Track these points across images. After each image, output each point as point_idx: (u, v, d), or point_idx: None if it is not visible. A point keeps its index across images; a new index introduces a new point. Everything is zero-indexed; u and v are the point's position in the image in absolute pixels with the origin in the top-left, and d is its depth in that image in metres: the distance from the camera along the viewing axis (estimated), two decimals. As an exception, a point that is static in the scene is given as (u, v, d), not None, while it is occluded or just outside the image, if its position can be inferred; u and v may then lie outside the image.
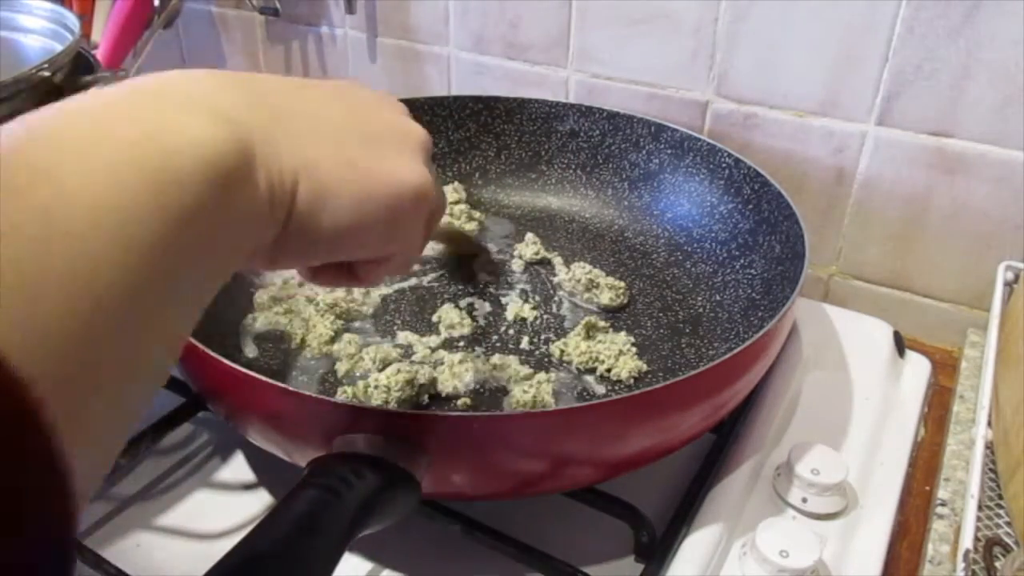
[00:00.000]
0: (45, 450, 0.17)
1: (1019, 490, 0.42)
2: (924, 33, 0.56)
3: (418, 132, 0.35)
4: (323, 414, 0.38)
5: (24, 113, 0.21)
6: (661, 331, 0.55)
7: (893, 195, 0.62)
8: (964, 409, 0.54)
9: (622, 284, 0.58)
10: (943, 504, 0.47)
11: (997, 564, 0.42)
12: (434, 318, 0.55)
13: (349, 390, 0.47)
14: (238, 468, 0.50)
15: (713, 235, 0.61)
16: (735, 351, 0.41)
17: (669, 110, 0.67)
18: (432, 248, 0.63)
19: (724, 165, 0.61)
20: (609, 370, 0.50)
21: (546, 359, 0.52)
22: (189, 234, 0.22)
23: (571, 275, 0.58)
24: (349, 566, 0.43)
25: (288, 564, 0.30)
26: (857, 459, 0.49)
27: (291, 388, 0.39)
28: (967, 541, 0.41)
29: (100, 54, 0.75)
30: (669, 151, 0.64)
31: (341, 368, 0.50)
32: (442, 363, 0.50)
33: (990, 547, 0.42)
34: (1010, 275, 0.57)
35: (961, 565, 0.40)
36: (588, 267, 0.58)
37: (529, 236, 0.63)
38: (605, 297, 0.57)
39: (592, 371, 0.51)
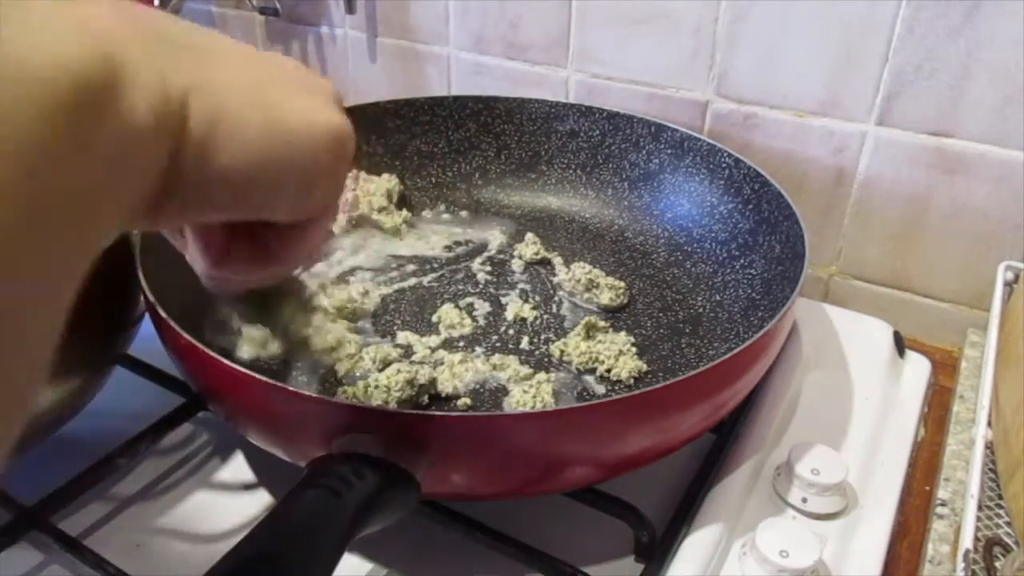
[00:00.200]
0: None
1: (1019, 490, 0.42)
2: (924, 33, 0.56)
3: (332, 86, 0.31)
4: (323, 414, 0.38)
5: None
6: (661, 331, 0.55)
7: (893, 195, 0.62)
8: (964, 409, 0.54)
9: (622, 284, 0.58)
10: (943, 504, 0.47)
11: (997, 564, 0.42)
12: (434, 318, 0.55)
13: (349, 390, 0.47)
14: (238, 468, 0.50)
15: (713, 235, 0.61)
16: (735, 351, 0.41)
17: (669, 110, 0.67)
18: (431, 248, 0.63)
19: (724, 165, 0.61)
20: (609, 370, 0.50)
21: (546, 359, 0.52)
22: (40, 181, 0.17)
23: (571, 275, 0.58)
24: (349, 566, 0.43)
25: (288, 564, 0.30)
26: (857, 459, 0.49)
27: (291, 388, 0.39)
28: (967, 541, 0.41)
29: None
30: (669, 151, 0.64)
31: (341, 368, 0.50)
32: (442, 363, 0.50)
33: (990, 547, 0.42)
34: (1010, 275, 0.57)
35: (961, 565, 0.40)
36: (588, 267, 0.58)
37: (529, 236, 0.63)
38: (605, 297, 0.57)
39: (592, 371, 0.51)
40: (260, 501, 0.48)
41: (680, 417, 0.42)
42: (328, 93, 0.30)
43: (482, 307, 0.57)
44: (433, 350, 0.53)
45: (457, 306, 0.56)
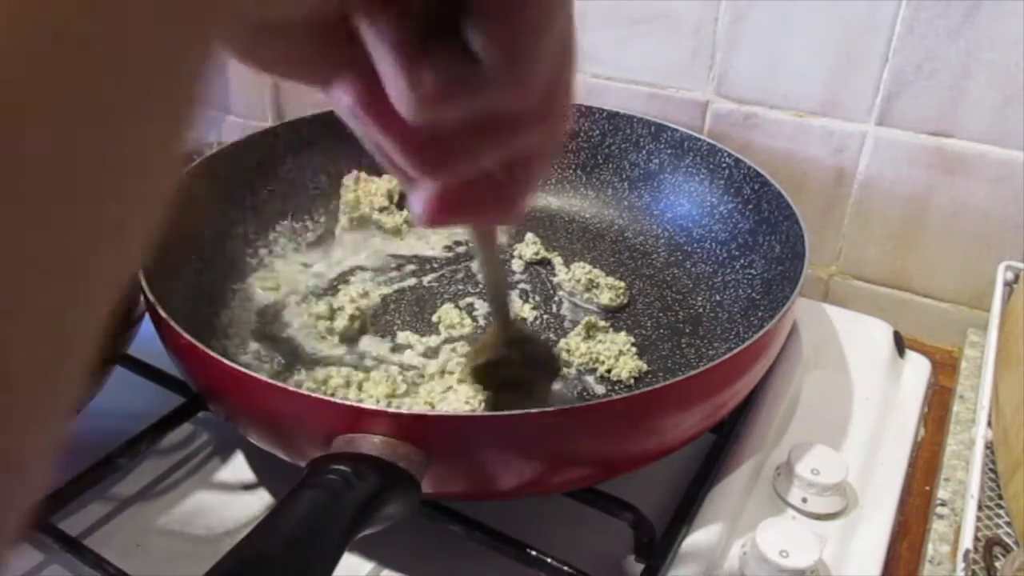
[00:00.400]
0: None
1: (1019, 490, 0.42)
2: (924, 33, 0.56)
3: None
4: (323, 414, 0.38)
5: None
6: (661, 331, 0.55)
7: (893, 195, 0.62)
8: (964, 409, 0.54)
9: (622, 284, 0.58)
10: (943, 504, 0.47)
11: (997, 564, 0.42)
12: (434, 318, 0.55)
13: (350, 390, 0.47)
14: (238, 468, 0.50)
15: (713, 235, 0.61)
16: (735, 351, 0.41)
17: (669, 110, 0.67)
18: (431, 248, 0.63)
19: (724, 165, 0.61)
20: (609, 370, 0.50)
21: (546, 359, 0.52)
22: None
23: (571, 275, 0.58)
24: (349, 566, 0.43)
25: (288, 564, 0.30)
26: (857, 459, 0.49)
27: (291, 388, 0.39)
28: (967, 541, 0.41)
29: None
30: (669, 151, 0.64)
31: (341, 367, 0.50)
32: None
33: (990, 547, 0.42)
34: (1010, 275, 0.57)
35: (961, 565, 0.40)
36: (588, 267, 0.58)
37: (529, 236, 0.63)
38: (605, 297, 0.57)
39: (592, 371, 0.51)
40: (260, 501, 0.48)
41: (680, 417, 0.42)
42: None
43: (482, 307, 0.57)
44: (433, 350, 0.53)
45: (457, 306, 0.56)
